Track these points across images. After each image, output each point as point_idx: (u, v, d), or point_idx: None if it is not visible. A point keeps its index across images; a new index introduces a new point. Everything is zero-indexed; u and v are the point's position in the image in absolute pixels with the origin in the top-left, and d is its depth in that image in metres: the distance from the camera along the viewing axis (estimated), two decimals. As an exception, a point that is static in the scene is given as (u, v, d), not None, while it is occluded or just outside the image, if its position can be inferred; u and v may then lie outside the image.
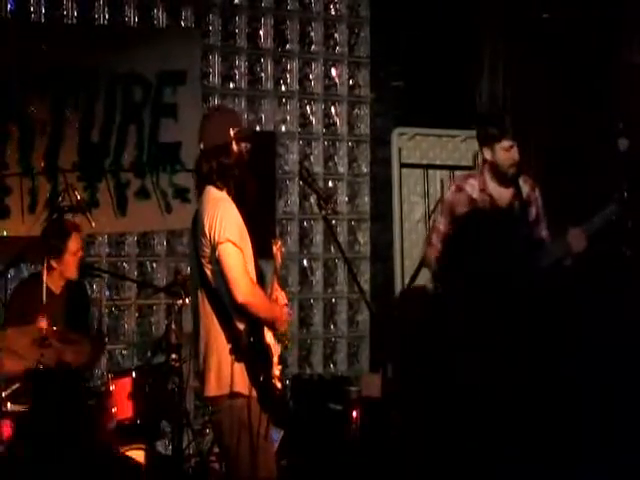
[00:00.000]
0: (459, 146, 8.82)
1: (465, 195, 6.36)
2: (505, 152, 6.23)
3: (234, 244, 4.99)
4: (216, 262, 5.02)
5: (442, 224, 6.40)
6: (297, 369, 8.47)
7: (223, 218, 5.02)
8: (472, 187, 6.36)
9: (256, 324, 5.09)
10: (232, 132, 5.14)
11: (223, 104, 8.03)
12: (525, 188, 6.33)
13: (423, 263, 7.11)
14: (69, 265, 6.60)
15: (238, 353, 5.04)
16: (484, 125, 6.79)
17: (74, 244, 6.56)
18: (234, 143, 5.15)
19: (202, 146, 5.23)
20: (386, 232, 8.65)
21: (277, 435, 6.70)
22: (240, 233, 5.03)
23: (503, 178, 6.28)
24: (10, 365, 6.17)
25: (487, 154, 6.30)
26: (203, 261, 5.09)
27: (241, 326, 5.06)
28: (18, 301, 6.62)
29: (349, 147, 8.75)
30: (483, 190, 6.32)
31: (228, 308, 5.06)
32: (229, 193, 5.16)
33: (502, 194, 6.31)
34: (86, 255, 7.43)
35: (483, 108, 8.93)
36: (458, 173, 8.61)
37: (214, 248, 5.01)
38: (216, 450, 6.88)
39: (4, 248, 7.05)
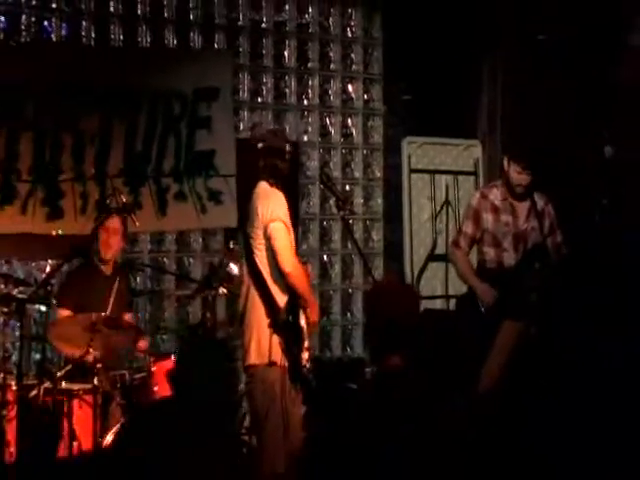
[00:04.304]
0: (462, 153, 8.91)
1: (489, 202, 6.50)
2: (515, 173, 6.37)
3: (284, 222, 5.21)
4: (267, 239, 5.21)
5: (469, 228, 6.54)
6: (318, 352, 8.36)
7: (275, 202, 5.25)
8: (495, 196, 6.50)
9: (294, 305, 5.23)
10: (288, 145, 5.49)
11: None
12: (540, 202, 6.46)
13: (447, 260, 7.32)
14: (102, 243, 6.49)
15: (276, 327, 5.17)
16: (513, 141, 6.84)
17: (111, 223, 6.45)
18: (288, 153, 5.45)
19: (261, 145, 5.48)
20: (397, 231, 8.73)
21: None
22: (287, 217, 5.27)
23: (513, 193, 6.42)
24: (63, 350, 6.36)
25: (505, 163, 6.47)
26: (253, 243, 5.25)
27: (281, 303, 5.20)
28: (70, 285, 6.58)
29: (364, 155, 8.74)
30: (505, 199, 6.46)
31: (269, 287, 5.21)
32: (277, 190, 5.38)
33: (520, 205, 6.46)
34: (130, 251, 7.52)
35: (483, 119, 8.95)
36: (461, 178, 8.83)
37: (265, 227, 5.20)
38: (246, 424, 6.98)
39: (59, 245, 6.93)
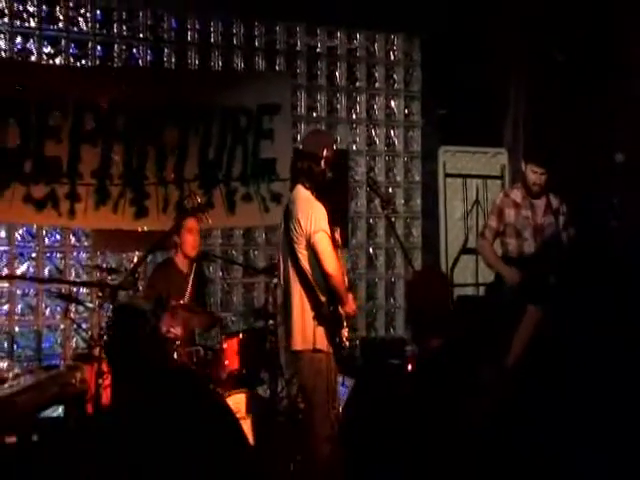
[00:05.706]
0: (490, 160, 9.02)
1: (511, 200, 6.62)
2: (531, 173, 6.49)
3: (325, 232, 5.14)
4: (310, 248, 5.16)
5: (494, 222, 6.65)
6: (365, 333, 8.63)
7: (316, 214, 5.15)
8: (516, 195, 6.62)
9: (333, 298, 5.23)
10: (325, 151, 5.25)
11: (326, 130, 8.24)
12: (555, 202, 6.59)
13: (477, 252, 7.31)
14: (186, 242, 6.62)
15: (320, 318, 5.20)
16: (530, 145, 6.97)
17: (189, 223, 6.62)
18: (323, 158, 5.23)
19: (300, 147, 5.47)
20: (433, 227, 8.86)
21: (347, 383, 6.77)
22: (327, 225, 5.18)
23: (530, 192, 6.54)
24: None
25: (523, 165, 6.59)
26: (296, 247, 5.20)
27: (323, 298, 5.22)
28: (155, 279, 6.73)
29: (404, 161, 8.87)
30: (525, 198, 6.57)
31: (312, 285, 5.21)
32: (313, 193, 5.26)
33: (538, 203, 6.57)
34: (204, 245, 7.50)
35: (508, 130, 9.00)
36: (489, 181, 8.92)
37: (309, 238, 5.13)
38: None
39: (144, 240, 7.21)
